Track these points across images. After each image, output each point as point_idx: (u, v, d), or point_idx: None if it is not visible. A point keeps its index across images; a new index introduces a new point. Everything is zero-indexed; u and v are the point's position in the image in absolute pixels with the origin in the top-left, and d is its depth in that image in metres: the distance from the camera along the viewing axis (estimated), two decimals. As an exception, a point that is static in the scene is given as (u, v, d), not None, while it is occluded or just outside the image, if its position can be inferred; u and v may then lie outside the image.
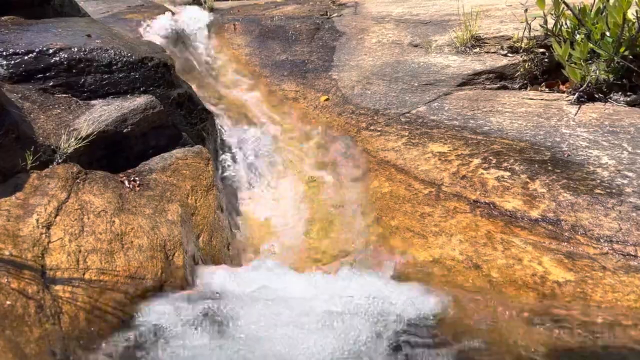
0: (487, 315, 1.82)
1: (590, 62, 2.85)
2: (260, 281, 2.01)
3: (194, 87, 3.36)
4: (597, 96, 2.83)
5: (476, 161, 2.45)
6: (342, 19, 4.72)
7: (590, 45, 2.78)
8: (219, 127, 3.24)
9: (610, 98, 2.79)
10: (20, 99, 2.33)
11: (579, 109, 2.74)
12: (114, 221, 1.98)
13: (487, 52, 3.53)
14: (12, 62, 2.47)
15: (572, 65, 2.78)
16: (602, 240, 1.89)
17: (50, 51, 2.55)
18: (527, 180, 2.23)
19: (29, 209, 1.82)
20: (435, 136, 2.77)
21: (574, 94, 2.87)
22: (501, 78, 3.32)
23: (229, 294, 1.92)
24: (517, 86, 3.27)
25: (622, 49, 2.69)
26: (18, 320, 1.45)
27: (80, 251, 1.78)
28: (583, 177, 2.17)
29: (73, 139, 2.20)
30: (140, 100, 2.60)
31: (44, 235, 1.75)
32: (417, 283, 2.02)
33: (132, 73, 2.69)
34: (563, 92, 3.04)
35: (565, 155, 2.35)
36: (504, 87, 3.28)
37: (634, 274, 1.76)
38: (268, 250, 2.63)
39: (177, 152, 2.65)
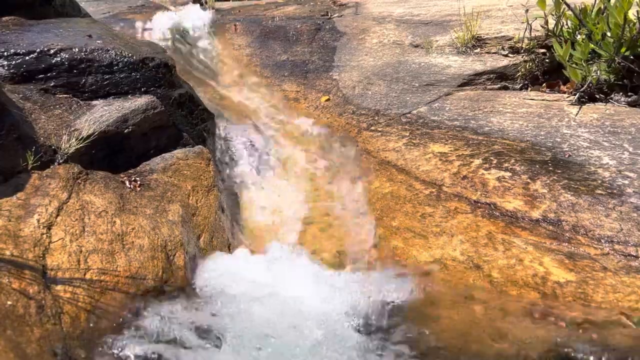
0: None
1: (591, 62, 2.85)
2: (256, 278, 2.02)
3: (194, 87, 3.36)
4: (598, 96, 2.83)
5: (477, 161, 2.45)
6: (342, 20, 4.72)
7: (591, 45, 2.78)
8: (220, 128, 3.24)
9: (611, 98, 2.79)
10: (22, 99, 2.33)
11: (579, 109, 2.74)
12: (114, 221, 1.98)
13: (488, 53, 3.53)
14: (14, 62, 2.47)
15: (573, 65, 2.78)
16: (603, 241, 1.88)
17: (52, 51, 2.56)
18: (528, 180, 2.23)
19: (30, 209, 1.82)
20: (436, 136, 2.77)
21: (574, 95, 2.86)
22: (502, 78, 3.31)
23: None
24: (518, 86, 3.27)
25: (623, 49, 2.69)
26: (19, 320, 1.45)
27: (81, 251, 1.78)
28: (584, 178, 2.17)
29: (74, 139, 2.20)
30: (141, 101, 2.60)
31: (45, 236, 1.75)
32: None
33: (133, 73, 2.69)
34: (564, 92, 3.04)
35: (566, 156, 2.35)
36: (505, 88, 3.27)
37: (635, 275, 1.75)
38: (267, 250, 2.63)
39: (178, 153, 2.65)
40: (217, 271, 2.10)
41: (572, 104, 2.82)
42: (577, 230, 1.95)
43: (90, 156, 2.29)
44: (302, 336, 1.72)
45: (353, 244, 2.54)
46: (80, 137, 2.23)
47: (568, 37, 3.06)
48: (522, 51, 3.36)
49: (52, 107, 2.39)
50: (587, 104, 2.79)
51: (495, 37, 3.58)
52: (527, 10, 3.25)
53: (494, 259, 2.01)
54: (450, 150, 2.60)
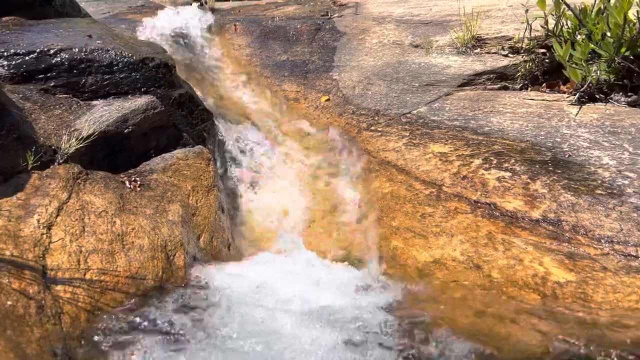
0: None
1: (591, 62, 2.85)
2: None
3: (194, 87, 3.36)
4: (598, 97, 2.83)
5: (477, 161, 2.45)
6: (342, 20, 4.72)
7: (591, 45, 2.78)
8: (220, 128, 3.24)
9: (611, 98, 2.79)
10: (22, 99, 2.33)
11: (579, 109, 2.74)
12: (114, 221, 1.98)
13: (488, 53, 3.53)
14: (14, 62, 2.47)
15: (573, 65, 2.78)
16: (603, 241, 1.88)
17: (52, 52, 2.56)
18: (528, 180, 2.23)
19: (30, 209, 1.82)
20: (436, 137, 2.77)
21: (574, 95, 2.86)
22: (502, 78, 3.32)
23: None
24: (518, 87, 3.27)
25: (622, 50, 2.69)
26: (19, 320, 1.45)
27: (81, 251, 1.78)
28: (584, 178, 2.17)
29: (74, 140, 2.20)
30: (141, 101, 2.60)
31: (45, 236, 1.75)
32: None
33: (133, 73, 2.70)
34: (564, 92, 3.04)
35: (566, 156, 2.35)
36: (505, 88, 3.27)
37: (635, 275, 1.75)
38: (268, 250, 2.63)
39: (178, 153, 2.65)
40: (217, 271, 2.11)
41: (572, 104, 2.82)
42: (577, 230, 1.95)
43: (90, 156, 2.29)
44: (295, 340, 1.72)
45: (352, 244, 2.54)
46: (80, 137, 2.23)
47: (568, 37, 3.06)
48: (522, 51, 3.36)
49: (52, 107, 2.39)
50: (587, 104, 2.79)
51: (495, 37, 3.58)
52: (527, 10, 3.25)
53: (494, 259, 2.01)
54: (450, 150, 2.60)
